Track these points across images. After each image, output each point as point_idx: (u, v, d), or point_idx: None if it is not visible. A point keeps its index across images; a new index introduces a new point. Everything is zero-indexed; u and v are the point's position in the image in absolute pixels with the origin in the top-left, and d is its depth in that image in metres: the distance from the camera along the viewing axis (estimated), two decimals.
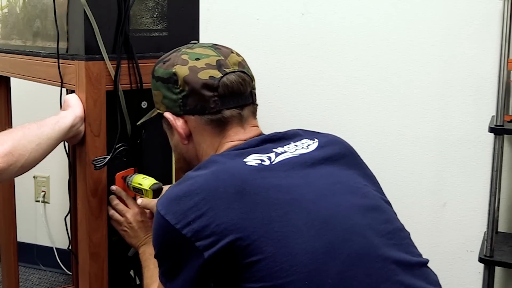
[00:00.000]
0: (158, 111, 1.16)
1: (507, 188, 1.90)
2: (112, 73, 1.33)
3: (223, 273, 0.92)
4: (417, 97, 1.96)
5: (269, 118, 2.14)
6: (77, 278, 2.05)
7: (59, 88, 1.42)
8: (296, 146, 1.06)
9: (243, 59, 1.15)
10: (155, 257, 1.01)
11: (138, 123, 1.32)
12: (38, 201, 2.60)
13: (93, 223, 1.35)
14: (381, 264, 0.91)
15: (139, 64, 1.37)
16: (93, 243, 1.36)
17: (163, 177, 1.50)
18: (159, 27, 1.42)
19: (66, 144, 1.51)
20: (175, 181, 1.48)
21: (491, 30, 1.84)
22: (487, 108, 1.86)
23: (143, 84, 1.38)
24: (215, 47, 1.14)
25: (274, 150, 1.03)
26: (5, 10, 1.69)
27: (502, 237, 1.85)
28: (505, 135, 1.76)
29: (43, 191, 2.59)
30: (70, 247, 1.95)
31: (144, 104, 1.43)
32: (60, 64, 1.39)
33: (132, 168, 1.43)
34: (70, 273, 2.39)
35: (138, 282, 1.47)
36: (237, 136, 1.09)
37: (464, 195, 1.93)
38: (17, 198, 1.98)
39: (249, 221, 0.90)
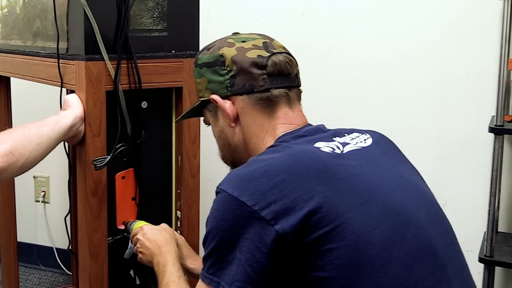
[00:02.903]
0: (202, 99, 1.13)
1: (507, 188, 1.90)
2: (112, 73, 1.33)
3: (293, 261, 0.89)
4: (417, 97, 1.96)
5: None
6: (77, 278, 2.06)
7: (59, 88, 1.42)
8: (353, 138, 1.05)
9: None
10: (210, 249, 0.92)
11: (176, 120, 1.34)
12: (38, 201, 2.60)
13: (93, 223, 1.35)
14: (445, 263, 0.93)
15: (140, 64, 1.37)
16: (93, 243, 1.36)
17: (163, 177, 1.51)
18: (159, 27, 1.42)
19: (66, 144, 1.51)
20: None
21: (491, 30, 1.84)
22: (487, 108, 1.86)
23: (142, 84, 1.38)
24: (258, 33, 1.15)
25: (335, 139, 1.03)
26: (5, 10, 1.69)
27: (502, 237, 1.85)
28: (505, 135, 1.76)
29: (43, 191, 2.59)
30: (70, 247, 1.95)
31: (144, 104, 1.43)
32: (60, 64, 1.39)
33: (132, 169, 1.43)
34: (70, 273, 2.39)
35: (138, 282, 1.47)
36: (287, 118, 1.07)
37: (464, 195, 1.93)
38: (17, 198, 1.98)
39: (332, 206, 0.88)
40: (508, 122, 1.70)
